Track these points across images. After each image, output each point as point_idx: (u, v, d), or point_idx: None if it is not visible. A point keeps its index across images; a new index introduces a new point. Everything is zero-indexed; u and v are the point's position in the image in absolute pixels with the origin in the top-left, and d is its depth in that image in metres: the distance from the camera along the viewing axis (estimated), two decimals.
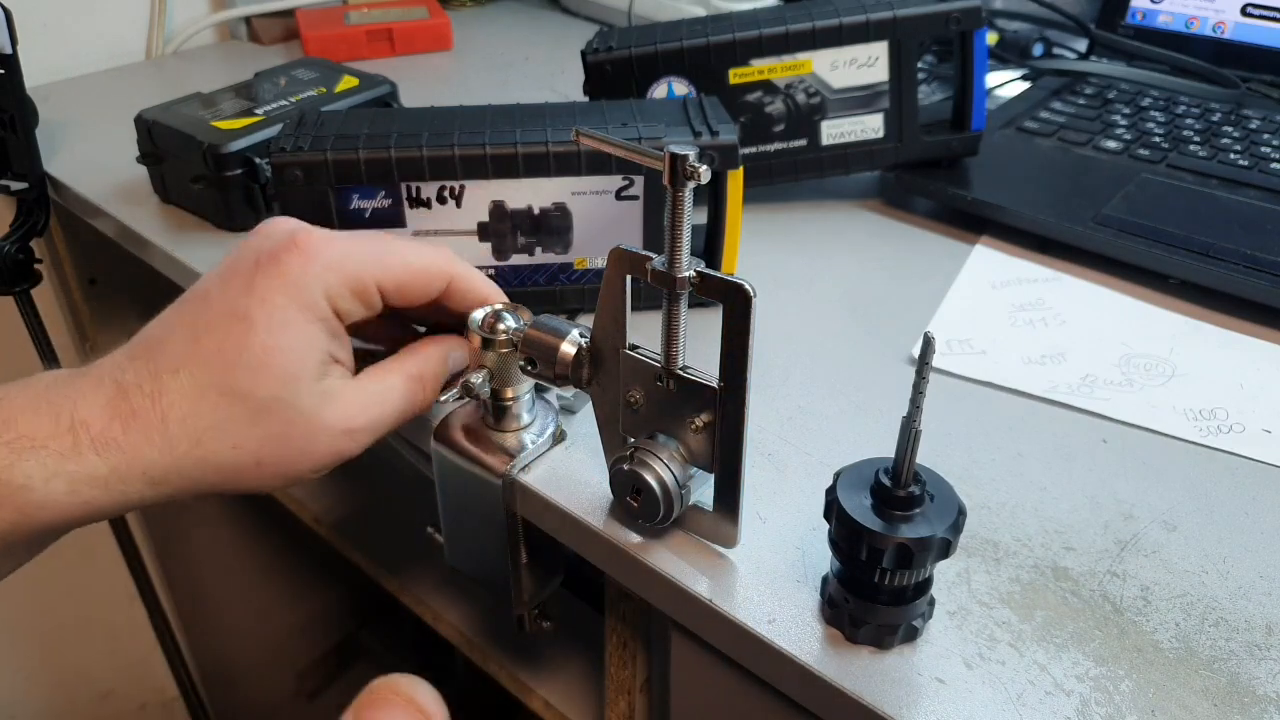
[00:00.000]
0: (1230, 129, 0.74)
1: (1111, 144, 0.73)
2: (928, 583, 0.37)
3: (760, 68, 0.64)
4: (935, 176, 0.68)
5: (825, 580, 0.39)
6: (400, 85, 0.76)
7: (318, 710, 1.39)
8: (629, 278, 0.38)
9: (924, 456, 0.48)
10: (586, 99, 0.66)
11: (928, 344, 0.31)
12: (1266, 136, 0.72)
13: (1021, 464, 0.47)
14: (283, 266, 0.39)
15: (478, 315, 0.45)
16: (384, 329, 0.48)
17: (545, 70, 0.95)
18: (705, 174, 0.34)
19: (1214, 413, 0.50)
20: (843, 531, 0.35)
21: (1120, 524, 0.44)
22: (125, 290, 0.95)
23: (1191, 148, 0.71)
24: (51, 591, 1.10)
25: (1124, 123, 0.76)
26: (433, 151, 0.51)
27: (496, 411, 0.47)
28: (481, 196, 0.53)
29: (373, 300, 0.41)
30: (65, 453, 0.36)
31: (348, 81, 0.73)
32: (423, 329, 0.50)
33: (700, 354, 0.39)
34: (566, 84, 0.90)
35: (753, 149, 0.66)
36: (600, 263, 0.56)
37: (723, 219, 0.55)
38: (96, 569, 1.10)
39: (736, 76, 0.64)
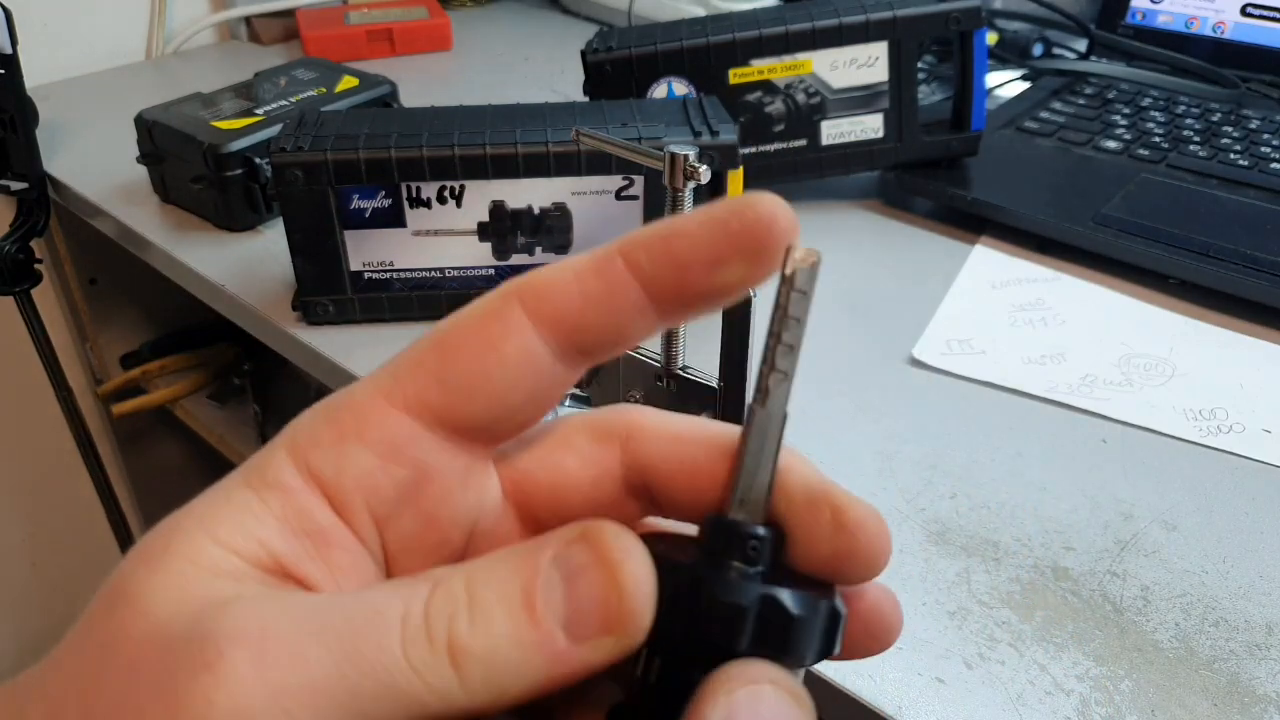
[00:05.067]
0: (1230, 129, 0.74)
1: (1111, 144, 0.73)
2: None
3: (760, 68, 0.64)
4: (935, 176, 0.68)
5: None
6: (400, 85, 0.76)
7: None
8: None
9: (925, 457, 0.48)
10: (586, 99, 0.66)
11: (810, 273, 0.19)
12: (1266, 136, 0.72)
13: (1021, 464, 0.47)
14: None
15: None
16: None
17: (545, 70, 0.95)
18: (705, 174, 0.34)
19: (1214, 413, 0.50)
20: None
21: (1120, 524, 0.44)
22: (125, 290, 0.95)
23: (1191, 148, 0.71)
24: (56, 596, 1.10)
25: (1124, 123, 0.76)
26: (433, 151, 0.51)
27: None
28: (481, 196, 0.53)
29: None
30: None
31: (348, 81, 0.73)
32: None
33: (700, 354, 0.39)
34: (566, 84, 0.90)
35: (753, 149, 0.66)
36: None
37: None
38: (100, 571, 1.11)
39: (736, 76, 0.64)
